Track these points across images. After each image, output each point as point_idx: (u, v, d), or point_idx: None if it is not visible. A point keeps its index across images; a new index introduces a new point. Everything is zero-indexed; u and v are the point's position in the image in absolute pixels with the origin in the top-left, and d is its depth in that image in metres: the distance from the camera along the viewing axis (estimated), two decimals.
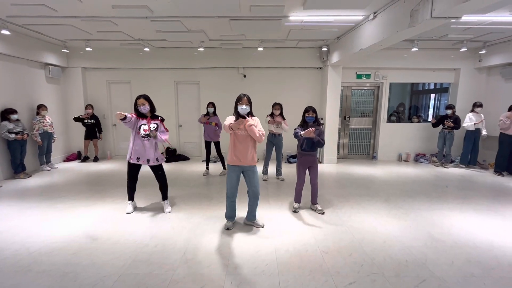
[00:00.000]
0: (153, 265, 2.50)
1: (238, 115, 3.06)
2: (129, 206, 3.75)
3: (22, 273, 2.38)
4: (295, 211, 3.75)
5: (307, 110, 3.68)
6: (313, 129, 3.35)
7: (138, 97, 3.49)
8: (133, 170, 3.63)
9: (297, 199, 3.82)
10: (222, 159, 5.75)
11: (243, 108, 3.03)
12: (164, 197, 3.80)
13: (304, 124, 3.68)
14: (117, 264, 2.52)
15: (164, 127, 3.65)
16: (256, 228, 3.25)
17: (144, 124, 3.48)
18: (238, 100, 3.07)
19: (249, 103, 3.07)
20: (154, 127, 3.51)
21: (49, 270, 2.42)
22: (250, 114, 3.12)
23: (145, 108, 3.47)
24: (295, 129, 3.68)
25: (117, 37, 5.81)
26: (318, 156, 3.75)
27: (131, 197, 3.78)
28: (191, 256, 2.64)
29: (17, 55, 5.53)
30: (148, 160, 3.54)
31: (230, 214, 3.29)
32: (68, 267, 2.47)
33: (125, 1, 3.95)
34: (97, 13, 4.42)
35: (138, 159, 3.51)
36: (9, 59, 5.44)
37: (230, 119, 3.06)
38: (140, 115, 3.51)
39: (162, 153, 3.65)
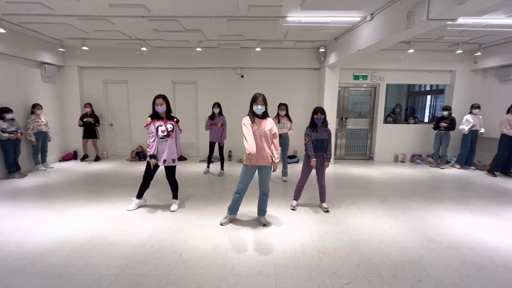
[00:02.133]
0: (149, 266, 2.48)
1: (254, 115, 3.11)
2: (133, 203, 3.79)
3: (16, 274, 2.35)
4: (293, 209, 3.74)
5: (316, 111, 3.58)
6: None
7: (157, 97, 3.55)
8: (151, 169, 3.65)
9: (297, 196, 3.81)
10: (222, 160, 5.75)
11: (258, 108, 3.08)
12: (174, 196, 3.88)
13: (313, 126, 3.63)
14: (113, 264, 2.50)
15: (179, 128, 3.76)
16: (253, 228, 3.24)
17: (161, 125, 3.55)
18: (254, 100, 3.10)
19: (264, 103, 3.10)
20: (170, 128, 3.60)
21: (44, 271, 2.39)
22: (265, 114, 3.15)
23: (162, 108, 3.54)
24: (306, 133, 3.64)
25: (114, 36, 5.78)
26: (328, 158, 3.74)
27: (140, 195, 3.81)
28: (187, 257, 2.63)
29: (12, 54, 5.47)
30: (164, 161, 3.61)
31: (234, 208, 3.34)
32: (63, 268, 2.44)
33: (122, 0, 3.93)
34: (94, 12, 4.40)
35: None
36: (5, 57, 5.38)
37: (247, 122, 3.08)
38: (155, 116, 3.58)
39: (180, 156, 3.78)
